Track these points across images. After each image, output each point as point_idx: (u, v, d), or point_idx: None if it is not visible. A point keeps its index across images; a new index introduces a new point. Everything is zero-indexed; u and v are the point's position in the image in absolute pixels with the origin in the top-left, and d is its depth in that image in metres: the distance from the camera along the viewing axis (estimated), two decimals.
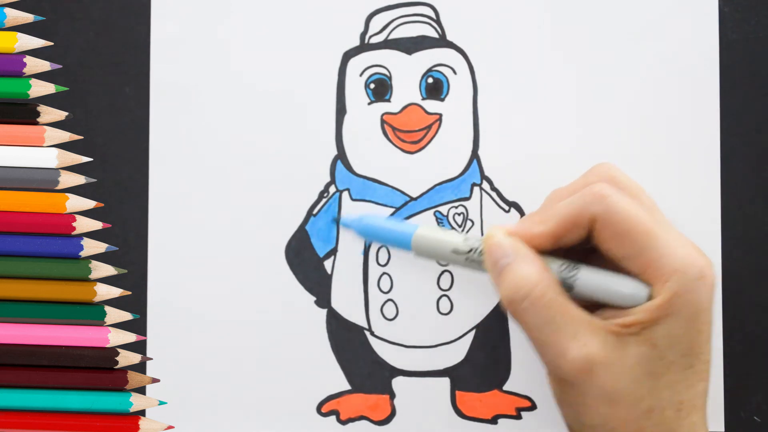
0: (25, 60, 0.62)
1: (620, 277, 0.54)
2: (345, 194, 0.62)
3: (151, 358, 0.62)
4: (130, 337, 0.62)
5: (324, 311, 0.63)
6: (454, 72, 0.62)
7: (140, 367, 0.62)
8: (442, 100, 0.62)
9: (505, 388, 0.62)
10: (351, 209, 0.62)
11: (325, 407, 0.62)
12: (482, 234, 0.62)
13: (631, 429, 0.53)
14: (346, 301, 0.63)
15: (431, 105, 0.63)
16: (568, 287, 0.54)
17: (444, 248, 0.56)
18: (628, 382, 0.53)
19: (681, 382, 0.53)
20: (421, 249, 0.57)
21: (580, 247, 0.55)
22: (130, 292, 0.63)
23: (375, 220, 0.59)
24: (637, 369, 0.53)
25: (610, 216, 0.53)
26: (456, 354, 0.63)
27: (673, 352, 0.53)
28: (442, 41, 0.63)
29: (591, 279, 0.54)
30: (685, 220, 0.61)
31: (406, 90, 0.63)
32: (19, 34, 0.62)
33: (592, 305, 0.55)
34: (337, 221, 0.62)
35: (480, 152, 0.62)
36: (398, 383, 0.63)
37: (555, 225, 0.55)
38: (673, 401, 0.53)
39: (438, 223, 0.62)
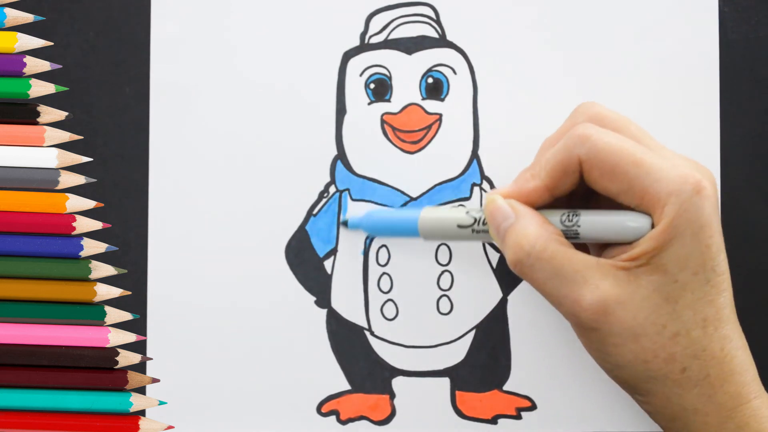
0: (25, 60, 0.62)
1: (620, 213, 0.54)
2: (345, 194, 0.63)
3: (151, 358, 0.62)
4: (130, 337, 0.62)
5: (324, 311, 0.63)
6: (454, 72, 0.62)
7: (140, 367, 0.62)
8: (442, 100, 0.62)
9: (505, 388, 0.62)
10: (352, 208, 0.62)
11: (325, 407, 0.62)
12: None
13: (661, 357, 0.53)
14: (346, 301, 0.63)
15: (431, 105, 0.63)
16: (573, 235, 0.55)
17: (450, 226, 0.57)
18: (648, 313, 0.53)
19: (700, 299, 0.53)
20: (428, 233, 0.58)
21: (580, 192, 0.56)
22: (130, 292, 0.63)
23: (380, 214, 0.60)
24: (654, 298, 0.53)
25: (596, 155, 0.53)
26: (456, 354, 0.63)
27: (685, 273, 0.52)
28: (442, 41, 0.63)
29: (593, 221, 0.54)
30: None
31: (406, 90, 0.63)
32: (19, 34, 0.62)
33: (602, 248, 0.55)
34: (344, 223, 0.62)
35: (480, 152, 0.62)
36: (398, 383, 0.63)
37: (546, 176, 0.55)
38: (697, 320, 0.53)
39: None
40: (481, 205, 0.62)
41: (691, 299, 0.53)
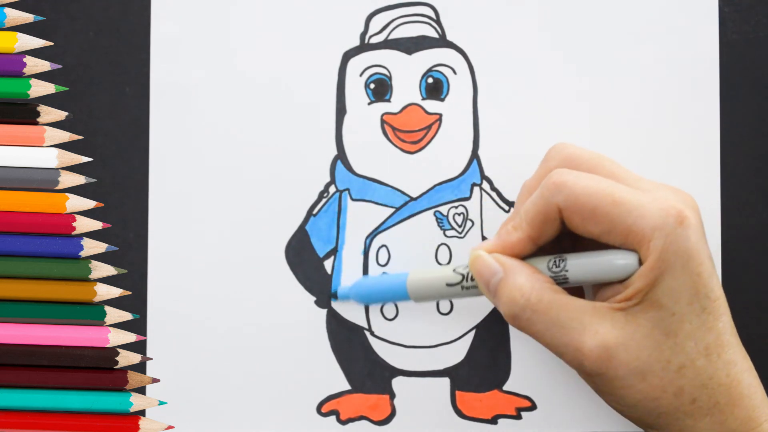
0: (25, 60, 0.62)
1: (607, 253, 0.54)
2: (345, 194, 0.63)
3: (151, 358, 0.62)
4: (130, 337, 0.62)
5: (324, 311, 0.63)
6: (454, 72, 0.62)
7: (140, 367, 0.62)
8: (442, 100, 0.62)
9: (505, 388, 0.62)
10: (352, 209, 0.62)
11: (325, 407, 0.62)
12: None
13: (670, 392, 0.53)
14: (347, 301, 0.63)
15: (431, 105, 0.63)
16: (562, 280, 0.54)
17: (438, 285, 0.57)
18: (651, 351, 0.53)
19: (699, 328, 0.53)
20: (418, 295, 0.58)
21: (564, 236, 0.55)
22: (130, 292, 0.63)
23: (368, 282, 0.61)
24: (654, 335, 0.53)
25: (574, 201, 0.53)
26: (456, 354, 0.63)
27: (681, 304, 0.52)
28: (442, 41, 0.63)
29: (580, 264, 0.54)
30: None
31: (406, 90, 0.63)
32: (19, 34, 0.62)
33: (595, 290, 0.55)
34: (333, 295, 0.62)
35: (480, 152, 0.62)
36: (398, 383, 0.63)
37: (528, 227, 0.55)
38: (699, 349, 0.53)
39: (438, 224, 0.62)
40: (481, 210, 0.62)
41: (690, 329, 0.53)
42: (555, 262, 0.54)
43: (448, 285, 0.57)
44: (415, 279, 0.58)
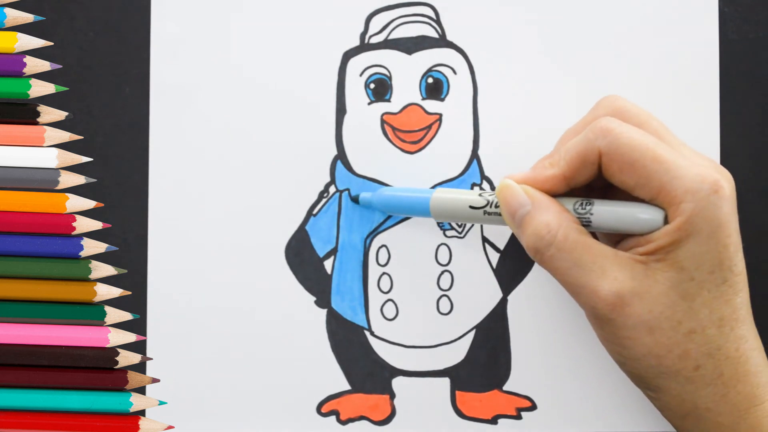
0: (25, 60, 0.62)
1: (634, 205, 0.54)
2: (345, 194, 0.63)
3: (151, 358, 0.62)
4: (130, 337, 0.62)
5: (324, 311, 0.63)
6: (454, 72, 0.63)
7: (140, 367, 0.62)
8: (442, 100, 0.63)
9: (505, 388, 0.62)
10: (352, 209, 0.62)
11: (325, 407, 0.62)
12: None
13: (675, 353, 0.53)
14: (346, 301, 0.63)
15: (431, 105, 0.63)
16: (585, 222, 0.55)
17: (461, 206, 0.57)
18: (664, 308, 0.53)
19: (717, 298, 0.53)
20: (440, 212, 0.58)
21: (595, 184, 0.56)
22: (130, 292, 0.63)
23: (391, 192, 0.60)
24: (670, 294, 0.53)
25: (616, 148, 0.54)
26: (456, 354, 0.63)
27: (702, 271, 0.53)
28: (442, 41, 0.63)
29: (605, 211, 0.55)
30: None
31: (406, 90, 0.63)
32: (19, 34, 0.62)
33: (616, 241, 0.55)
34: (355, 198, 0.62)
35: (480, 152, 0.62)
36: (398, 383, 0.63)
37: (565, 166, 0.55)
38: (713, 319, 0.53)
39: (438, 224, 0.62)
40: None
41: (708, 298, 0.53)
42: (582, 204, 0.55)
43: (471, 207, 0.57)
44: (439, 197, 0.58)
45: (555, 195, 0.56)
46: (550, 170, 0.55)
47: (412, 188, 0.61)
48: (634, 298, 0.53)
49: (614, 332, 0.54)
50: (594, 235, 0.57)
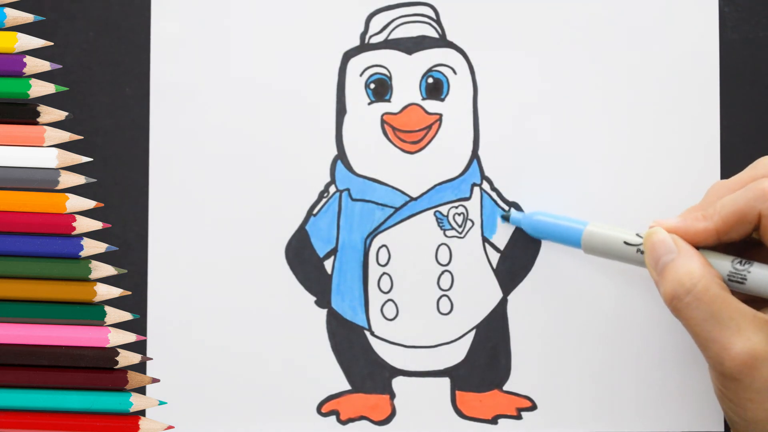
0: (25, 60, 0.62)
1: None
2: (345, 194, 0.63)
3: (151, 358, 0.62)
4: (130, 337, 0.62)
5: (324, 311, 0.63)
6: (454, 72, 0.63)
7: (140, 367, 0.62)
8: (442, 100, 0.63)
9: (505, 388, 0.62)
10: (352, 209, 0.62)
11: (325, 407, 0.62)
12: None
13: None
14: (346, 301, 0.63)
15: (431, 105, 0.63)
16: (739, 280, 0.54)
17: (615, 242, 0.57)
18: None
19: None
20: (591, 246, 0.58)
21: (741, 242, 0.56)
22: (130, 292, 0.63)
23: (543, 217, 0.60)
24: None
25: None
26: (456, 354, 0.63)
27: None
28: (442, 41, 0.63)
29: (764, 274, 0.54)
30: None
31: (406, 90, 0.63)
32: (19, 34, 0.62)
33: (757, 303, 0.55)
34: (505, 217, 0.62)
35: (480, 152, 0.62)
36: (398, 383, 0.63)
37: (720, 221, 0.55)
38: None
39: (438, 224, 0.62)
40: (481, 210, 0.62)
41: None
42: (741, 261, 0.55)
43: (626, 243, 0.57)
44: (592, 230, 0.58)
45: (703, 248, 0.55)
46: (703, 223, 0.55)
47: (565, 216, 0.61)
48: (765, 362, 0.53)
49: (738, 392, 0.54)
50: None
